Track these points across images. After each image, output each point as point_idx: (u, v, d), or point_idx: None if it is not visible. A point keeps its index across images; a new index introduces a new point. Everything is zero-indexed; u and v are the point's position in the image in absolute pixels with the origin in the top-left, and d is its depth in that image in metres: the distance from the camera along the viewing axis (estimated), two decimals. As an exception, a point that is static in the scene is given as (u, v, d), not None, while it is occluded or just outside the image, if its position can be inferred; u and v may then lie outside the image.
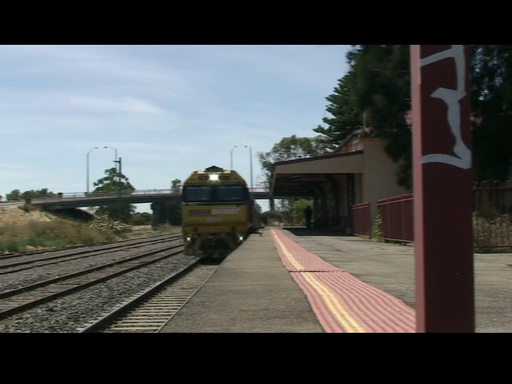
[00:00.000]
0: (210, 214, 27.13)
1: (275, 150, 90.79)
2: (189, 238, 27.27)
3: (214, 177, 27.74)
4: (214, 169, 28.15)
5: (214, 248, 27.09)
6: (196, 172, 28.33)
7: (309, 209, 54.12)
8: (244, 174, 40.61)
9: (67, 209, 79.19)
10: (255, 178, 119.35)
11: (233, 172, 28.69)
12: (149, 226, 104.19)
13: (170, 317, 7.38)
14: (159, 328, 7.99)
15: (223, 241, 26.83)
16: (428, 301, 2.23)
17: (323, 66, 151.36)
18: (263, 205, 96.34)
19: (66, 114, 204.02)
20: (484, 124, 19.88)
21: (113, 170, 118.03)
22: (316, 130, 76.63)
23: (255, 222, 42.41)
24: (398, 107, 21.58)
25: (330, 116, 70.63)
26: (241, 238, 25.76)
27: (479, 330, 3.64)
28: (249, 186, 48.74)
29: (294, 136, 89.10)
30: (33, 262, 27.40)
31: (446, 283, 2.23)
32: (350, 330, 4.06)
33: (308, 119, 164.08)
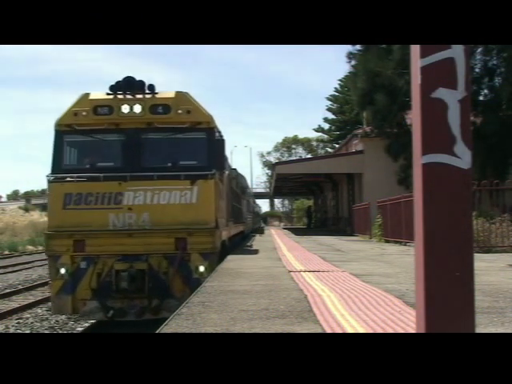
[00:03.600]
0: (120, 207, 10.53)
1: (276, 149, 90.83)
2: (63, 271, 10.35)
3: (133, 108, 10.70)
4: (129, 85, 10.77)
5: (130, 297, 10.23)
6: (87, 97, 10.88)
7: (310, 209, 54.08)
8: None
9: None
10: (255, 177, 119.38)
11: (181, 96, 10.91)
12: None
13: None
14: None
15: (155, 278, 10.27)
16: (428, 301, 2.23)
17: (323, 66, 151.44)
18: (263, 205, 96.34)
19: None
20: (484, 124, 19.86)
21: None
22: (316, 130, 76.63)
23: (248, 221, 28.60)
24: (398, 107, 21.57)
25: (331, 116, 70.63)
26: (202, 269, 10.28)
27: (479, 330, 3.64)
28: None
29: (295, 136, 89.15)
30: (33, 262, 27.35)
31: (446, 283, 2.23)
32: (350, 330, 4.05)
33: (309, 119, 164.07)
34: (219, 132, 11.53)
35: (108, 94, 10.68)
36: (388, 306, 5.06)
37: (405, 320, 4.37)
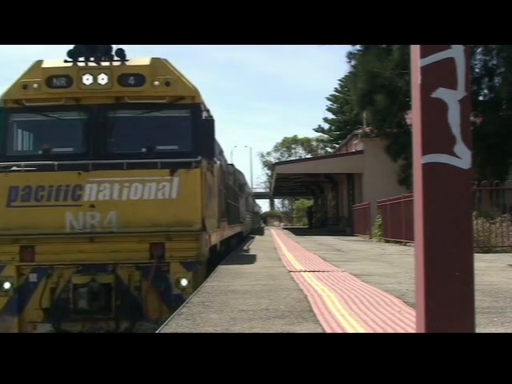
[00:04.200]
0: (79, 203, 8.16)
1: (276, 149, 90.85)
2: (7, 286, 8.00)
3: (97, 79, 8.19)
4: (92, 49, 7.99)
5: (92, 318, 7.93)
6: (40, 65, 8.35)
7: (311, 209, 54.11)
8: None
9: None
10: (255, 177, 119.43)
11: (159, 63, 8.48)
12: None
13: None
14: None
15: (124, 294, 8.00)
16: (428, 301, 2.23)
17: (323, 66, 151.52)
18: (263, 205, 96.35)
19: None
20: (484, 124, 19.86)
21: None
22: (316, 130, 76.60)
23: (247, 221, 26.38)
24: (398, 107, 21.57)
25: (331, 116, 70.64)
26: (184, 282, 8.02)
27: (479, 330, 3.64)
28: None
29: (295, 136, 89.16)
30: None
31: (446, 283, 2.23)
32: (350, 330, 4.05)
33: (308, 119, 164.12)
34: (207, 110, 9.08)
35: (66, 61, 8.09)
36: (388, 306, 5.06)
37: (405, 320, 4.37)
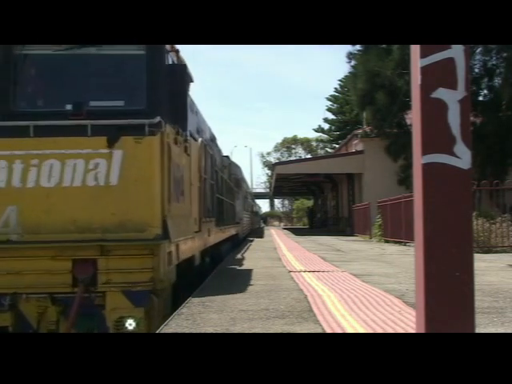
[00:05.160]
0: None
1: (276, 149, 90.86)
2: None
3: None
4: None
5: None
6: None
7: (312, 209, 54.14)
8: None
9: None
10: (255, 177, 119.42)
11: None
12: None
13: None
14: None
15: None
16: (428, 301, 2.23)
17: (323, 66, 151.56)
18: (263, 205, 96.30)
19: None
20: (483, 124, 19.87)
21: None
22: (316, 130, 76.61)
23: (244, 222, 23.41)
24: (398, 107, 21.58)
25: (331, 116, 70.65)
26: (129, 325, 5.01)
27: (479, 330, 3.64)
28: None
29: (295, 136, 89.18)
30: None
31: (446, 283, 2.23)
32: (350, 330, 4.06)
33: (308, 119, 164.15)
34: (176, 51, 6.39)
35: None
36: (388, 306, 5.06)
37: (405, 320, 4.37)
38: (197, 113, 7.90)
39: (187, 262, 6.70)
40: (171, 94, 5.66)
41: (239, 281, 7.32)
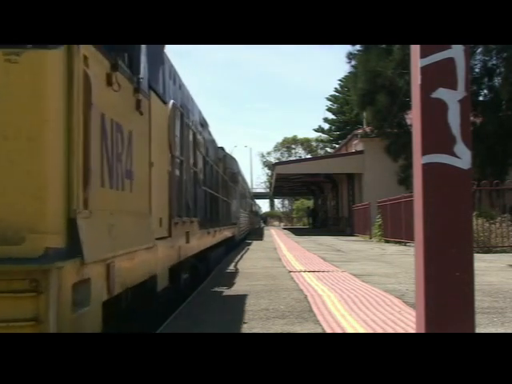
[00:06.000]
0: None
1: (276, 149, 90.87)
2: None
3: None
4: None
5: None
6: None
7: (313, 209, 54.15)
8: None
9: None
10: (255, 177, 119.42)
11: None
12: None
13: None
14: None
15: None
16: (428, 301, 2.23)
17: (323, 66, 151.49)
18: (263, 205, 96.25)
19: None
20: (484, 124, 19.87)
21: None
22: (316, 130, 76.65)
23: (242, 222, 21.07)
24: (398, 107, 21.58)
25: (331, 116, 70.65)
26: None
27: (479, 330, 3.64)
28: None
29: (295, 136, 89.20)
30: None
31: (446, 283, 2.23)
32: (350, 330, 4.05)
33: (308, 119, 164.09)
34: None
35: None
36: (388, 306, 5.06)
37: (405, 320, 4.38)
38: (180, 86, 6.38)
39: (141, 289, 4.14)
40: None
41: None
